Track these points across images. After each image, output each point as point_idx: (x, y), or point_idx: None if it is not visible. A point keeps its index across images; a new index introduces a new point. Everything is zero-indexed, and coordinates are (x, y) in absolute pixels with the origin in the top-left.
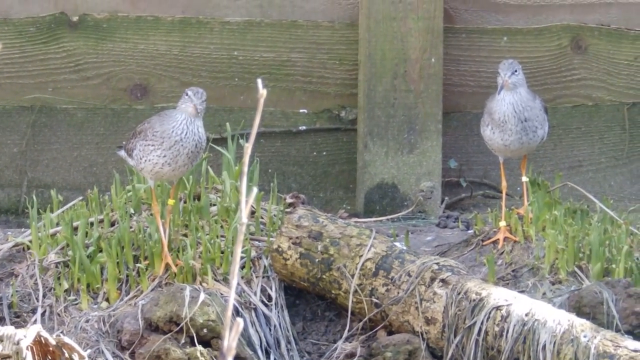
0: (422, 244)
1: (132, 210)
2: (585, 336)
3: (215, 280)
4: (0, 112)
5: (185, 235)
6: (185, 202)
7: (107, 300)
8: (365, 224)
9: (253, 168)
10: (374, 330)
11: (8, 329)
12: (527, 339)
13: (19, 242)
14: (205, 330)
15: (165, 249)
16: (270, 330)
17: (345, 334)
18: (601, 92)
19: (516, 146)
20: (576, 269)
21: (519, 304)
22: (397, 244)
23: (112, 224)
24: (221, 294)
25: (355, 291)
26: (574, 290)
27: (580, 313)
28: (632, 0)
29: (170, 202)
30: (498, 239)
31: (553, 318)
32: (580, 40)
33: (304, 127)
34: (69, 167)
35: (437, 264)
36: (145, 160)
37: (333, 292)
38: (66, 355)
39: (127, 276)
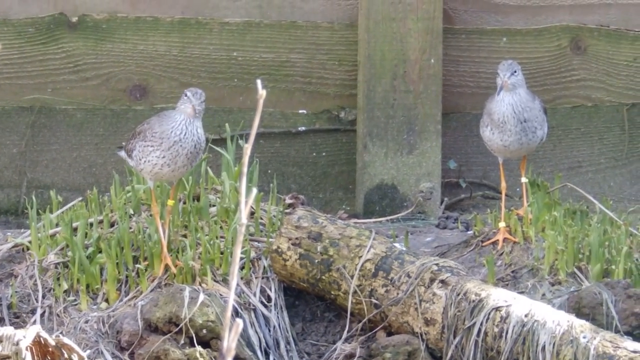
0: (422, 244)
1: (131, 211)
2: (584, 337)
3: (215, 281)
4: None
5: (185, 236)
6: (184, 203)
7: (107, 300)
8: (365, 225)
9: (252, 169)
10: (374, 331)
11: (7, 330)
12: (527, 340)
13: (19, 243)
14: (204, 331)
15: (165, 249)
16: (269, 330)
17: (345, 334)
18: (600, 92)
19: (515, 147)
20: (576, 270)
21: (518, 305)
22: (396, 244)
23: (112, 225)
24: (220, 295)
25: (355, 292)
26: (574, 291)
27: (579, 314)
28: (632, 1)
29: (170, 202)
30: (497, 240)
31: (552, 319)
32: (579, 41)
33: (304, 128)
34: (69, 167)
35: (437, 264)
36: (145, 161)
37: (332, 292)
38: (65, 355)
39: (127, 277)
